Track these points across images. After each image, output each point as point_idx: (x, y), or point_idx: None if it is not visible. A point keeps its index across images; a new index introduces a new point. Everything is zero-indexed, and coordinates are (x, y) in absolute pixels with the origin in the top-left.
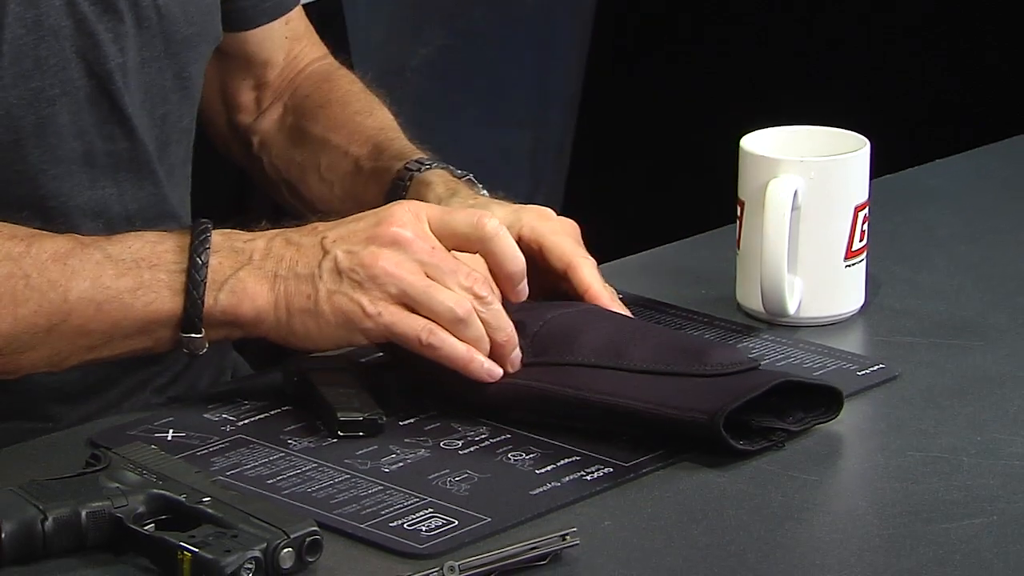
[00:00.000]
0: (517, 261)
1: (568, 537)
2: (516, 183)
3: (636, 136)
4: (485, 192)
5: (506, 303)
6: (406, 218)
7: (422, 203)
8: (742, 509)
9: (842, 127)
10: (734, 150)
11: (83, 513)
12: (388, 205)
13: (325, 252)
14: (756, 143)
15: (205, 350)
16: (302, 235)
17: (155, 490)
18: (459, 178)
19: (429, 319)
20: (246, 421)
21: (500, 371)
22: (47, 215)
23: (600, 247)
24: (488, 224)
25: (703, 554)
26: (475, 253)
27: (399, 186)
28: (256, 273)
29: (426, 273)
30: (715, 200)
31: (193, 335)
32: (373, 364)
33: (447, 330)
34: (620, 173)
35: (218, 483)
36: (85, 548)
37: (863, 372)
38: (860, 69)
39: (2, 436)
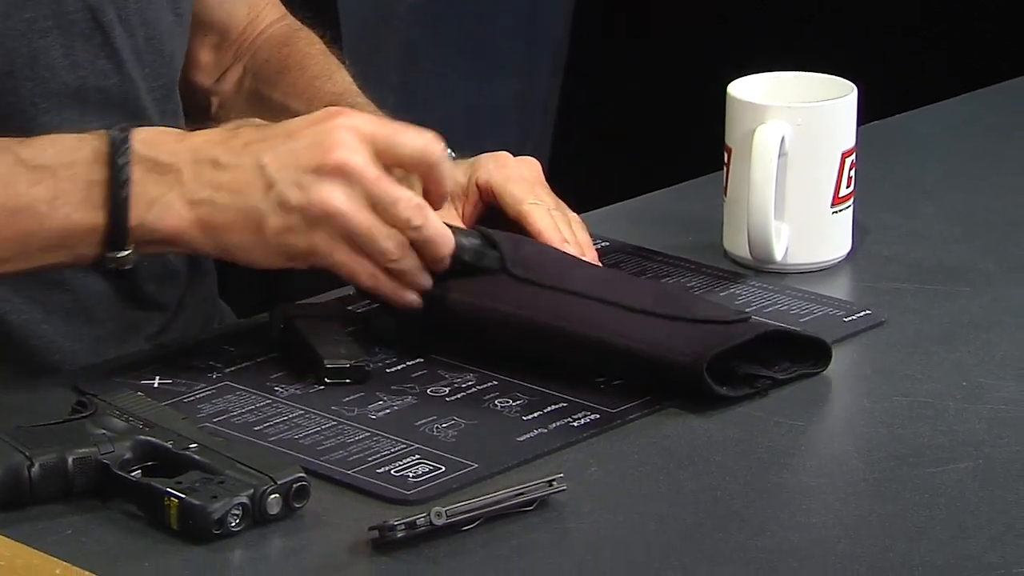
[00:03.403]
0: (451, 182)
1: (555, 483)
2: (503, 133)
3: (623, 83)
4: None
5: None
6: (351, 143)
7: (363, 118)
8: (728, 455)
9: (829, 73)
10: (721, 96)
11: (70, 459)
12: (324, 118)
13: (269, 184)
14: (743, 89)
15: (131, 265)
16: (232, 155)
17: (142, 436)
18: None
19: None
20: (233, 368)
21: (419, 301)
22: None
23: (587, 195)
24: (437, 150)
25: (689, 499)
26: (417, 175)
27: None
28: (186, 196)
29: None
30: (702, 147)
31: (119, 253)
32: (360, 311)
33: (384, 270)
34: (607, 120)
35: (205, 429)
36: (72, 494)
37: (850, 318)
38: (847, 15)
39: None
